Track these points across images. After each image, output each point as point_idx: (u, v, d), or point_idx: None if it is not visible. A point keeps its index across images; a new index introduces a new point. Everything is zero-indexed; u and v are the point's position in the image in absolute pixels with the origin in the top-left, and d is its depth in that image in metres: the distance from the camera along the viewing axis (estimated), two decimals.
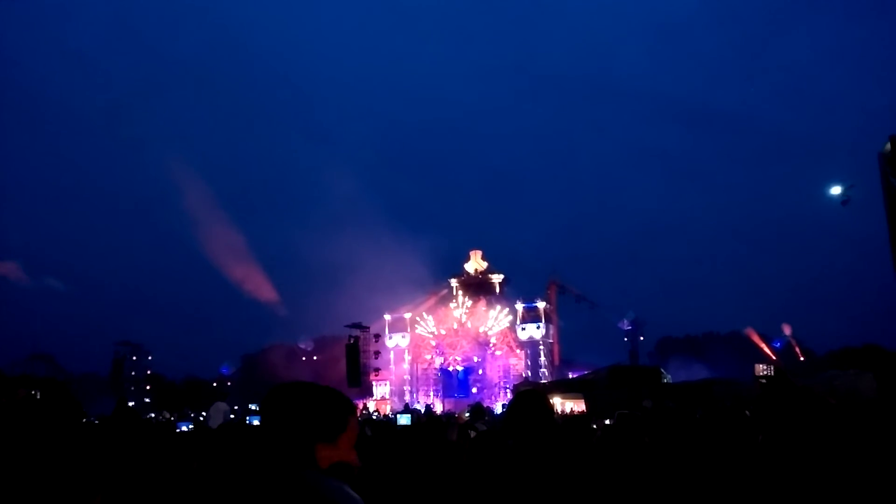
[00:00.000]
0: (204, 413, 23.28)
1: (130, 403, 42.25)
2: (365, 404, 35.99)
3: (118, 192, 77.91)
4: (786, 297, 64.59)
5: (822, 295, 64.99)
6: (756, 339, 49.87)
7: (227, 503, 1.70)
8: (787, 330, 49.11)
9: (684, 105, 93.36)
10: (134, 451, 2.74)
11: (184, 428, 11.55)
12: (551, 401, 3.38)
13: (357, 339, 42.48)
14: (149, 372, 54.93)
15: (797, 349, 47.33)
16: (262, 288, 50.96)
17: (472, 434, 6.11)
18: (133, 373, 54.17)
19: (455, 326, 41.48)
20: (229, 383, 51.40)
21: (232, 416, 17.09)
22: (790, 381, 4.46)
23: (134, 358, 54.28)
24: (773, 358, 47.01)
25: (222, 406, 13.19)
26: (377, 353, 42.85)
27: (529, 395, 3.24)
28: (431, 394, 41.00)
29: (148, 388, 52.51)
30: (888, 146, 17.10)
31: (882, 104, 64.63)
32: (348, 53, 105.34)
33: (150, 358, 54.81)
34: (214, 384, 52.07)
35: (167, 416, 28.68)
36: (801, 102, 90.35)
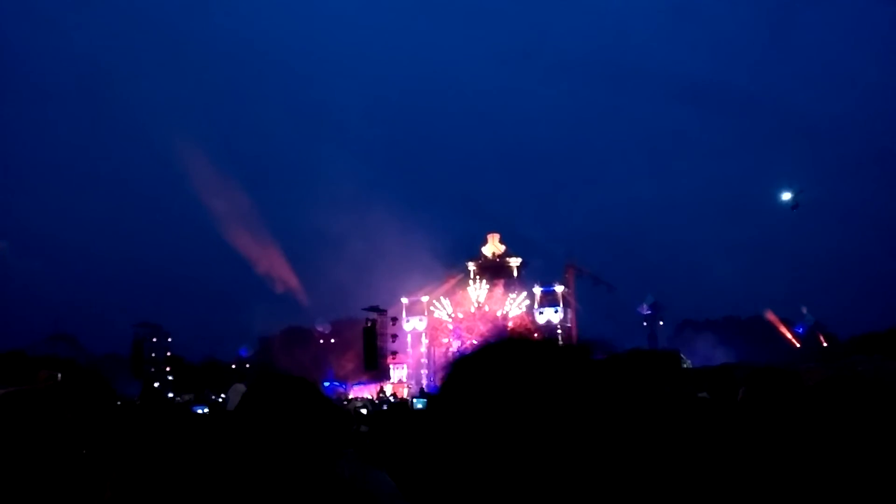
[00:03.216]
0: (223, 395, 23.40)
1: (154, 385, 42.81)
2: (382, 387, 36.06)
3: (135, 173, 78.55)
4: (808, 282, 63.69)
5: (845, 279, 63.96)
6: (778, 323, 49.21)
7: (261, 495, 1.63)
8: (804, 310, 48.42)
9: (701, 86, 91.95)
10: (163, 435, 2.75)
11: (199, 411, 11.49)
12: None
13: (374, 322, 42.53)
14: (168, 354, 55.53)
15: (820, 335, 46.60)
16: (280, 270, 51.24)
17: None
18: (153, 354, 54.84)
19: (472, 310, 41.37)
20: (248, 365, 51.82)
21: None
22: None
23: (154, 339, 54.89)
24: (796, 344, 46.39)
25: (241, 388, 13.08)
26: (394, 337, 42.90)
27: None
28: None
29: (168, 369, 53.10)
30: None
31: None
32: (366, 37, 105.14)
33: (169, 340, 55.39)
34: (233, 366, 52.50)
35: (186, 398, 28.91)
36: (823, 81, 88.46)
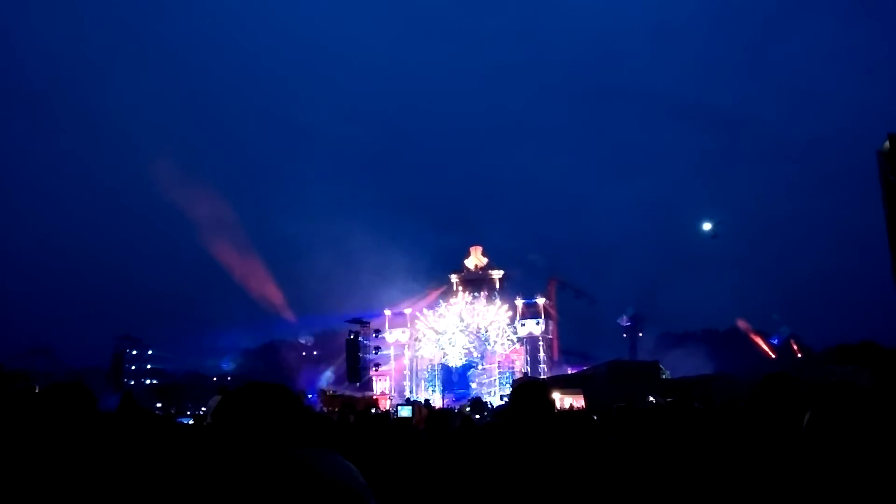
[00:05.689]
0: (204, 409, 23.43)
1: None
2: (375, 401, 36.13)
3: (115, 184, 77.85)
4: (784, 295, 64.75)
5: (820, 292, 65.15)
6: (754, 335, 50.06)
7: (219, 486, 1.68)
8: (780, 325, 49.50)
9: (684, 105, 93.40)
10: (142, 447, 2.80)
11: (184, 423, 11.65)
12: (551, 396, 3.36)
13: (357, 334, 42.59)
14: (149, 366, 55.02)
15: (795, 346, 47.51)
16: (263, 283, 51.13)
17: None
18: (133, 367, 54.29)
19: (455, 322, 41.59)
20: (230, 378, 51.54)
21: None
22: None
23: (134, 352, 54.38)
24: (772, 355, 47.21)
25: None
26: (377, 349, 43.00)
27: (531, 387, 3.19)
28: (431, 389, 41.15)
29: (148, 382, 52.61)
30: (887, 144, 17.23)
31: (880, 103, 64.66)
32: (350, 51, 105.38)
33: (150, 352, 54.90)
34: (215, 378, 52.18)
35: (170, 411, 28.81)
36: (800, 102, 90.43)
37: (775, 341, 48.93)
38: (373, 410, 28.09)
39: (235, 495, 1.61)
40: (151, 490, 2.33)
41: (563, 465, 2.89)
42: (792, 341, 48.16)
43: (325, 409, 28.25)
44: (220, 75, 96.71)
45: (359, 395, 36.20)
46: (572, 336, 47.16)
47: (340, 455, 1.75)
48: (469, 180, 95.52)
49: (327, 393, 34.67)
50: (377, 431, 5.43)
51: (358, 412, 18.09)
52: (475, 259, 45.83)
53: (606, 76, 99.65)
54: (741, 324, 51.16)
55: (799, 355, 45.01)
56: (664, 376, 32.22)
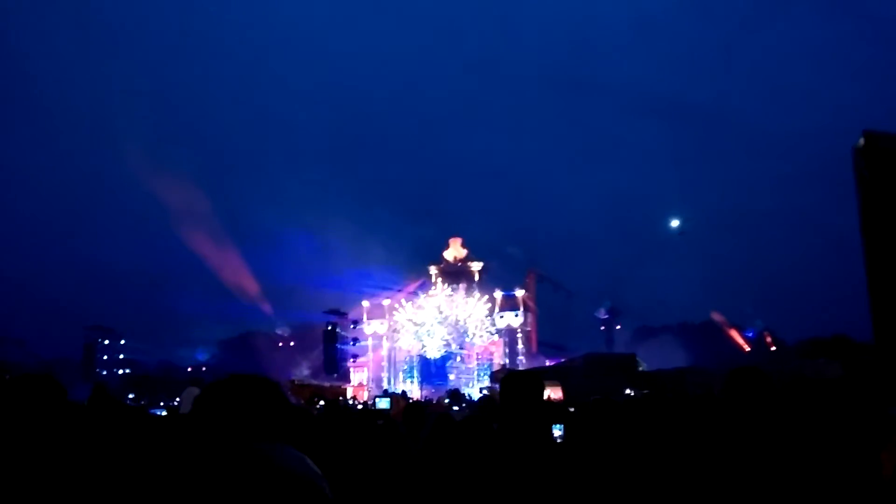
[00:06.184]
0: (178, 399, 23.11)
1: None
2: (343, 390, 36.01)
3: (87, 171, 76.21)
4: (759, 289, 65.57)
5: (794, 287, 66.10)
6: (728, 329, 50.67)
7: (179, 480, 1.69)
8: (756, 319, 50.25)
9: (660, 98, 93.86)
10: (113, 438, 2.77)
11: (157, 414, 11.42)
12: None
13: (335, 325, 42.37)
14: (122, 357, 54.27)
15: (769, 339, 48.18)
16: (238, 273, 50.55)
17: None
18: (105, 357, 53.49)
19: (434, 314, 41.56)
20: (204, 369, 50.98)
21: None
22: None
23: (106, 343, 53.58)
24: (746, 348, 47.85)
25: (195, 391, 12.93)
26: (355, 340, 42.85)
27: (524, 379, 3.13)
28: (409, 380, 41.12)
29: (121, 373, 51.90)
30: (862, 140, 17.49)
31: (857, 99, 65.62)
32: (326, 41, 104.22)
33: (122, 343, 54.14)
34: (189, 370, 51.60)
35: (142, 402, 28.43)
36: (775, 97, 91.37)
37: (750, 334, 49.58)
38: (341, 399, 28.08)
39: (188, 488, 1.59)
40: (116, 482, 2.31)
41: (552, 459, 2.86)
42: (766, 334, 48.83)
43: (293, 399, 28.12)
44: (190, 61, 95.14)
45: (327, 384, 36.09)
46: (550, 328, 47.34)
47: (295, 447, 1.71)
48: (447, 172, 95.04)
49: (294, 382, 34.51)
50: (348, 423, 5.41)
51: (327, 402, 17.96)
52: (454, 251, 45.74)
53: (581, 68, 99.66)
54: (716, 317, 51.79)
55: (773, 348, 45.67)
56: (641, 369, 32.50)
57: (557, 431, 5.87)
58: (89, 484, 2.26)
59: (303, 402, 22.27)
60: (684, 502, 3.12)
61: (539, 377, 3.27)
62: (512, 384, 3.06)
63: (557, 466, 2.82)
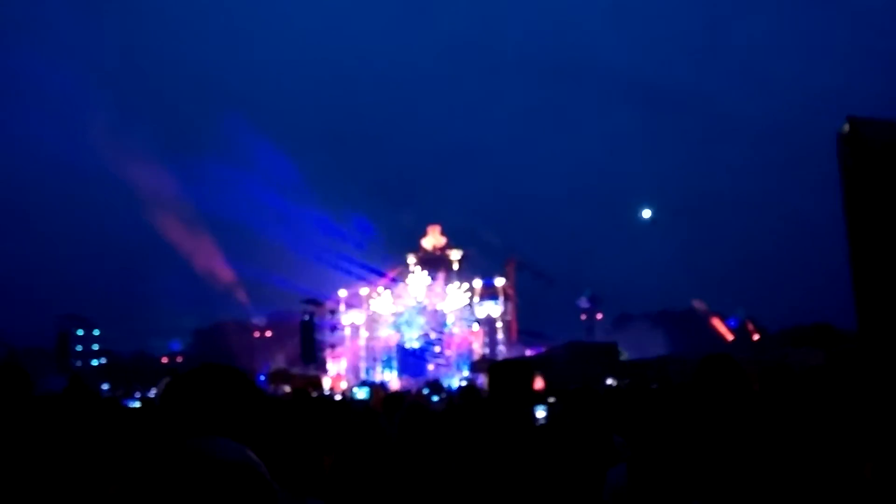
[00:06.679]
0: (154, 390, 22.57)
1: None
2: (320, 381, 35.34)
3: (58, 157, 74.40)
4: (741, 277, 65.64)
5: (776, 274, 66.24)
6: (710, 317, 50.53)
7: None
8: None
9: (641, 85, 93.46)
10: (87, 429, 2.71)
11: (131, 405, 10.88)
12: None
13: (312, 314, 41.68)
14: (96, 346, 53.36)
15: (751, 328, 48.04)
16: (214, 261, 49.49)
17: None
18: (80, 347, 52.58)
19: (412, 303, 40.99)
20: (179, 359, 50.09)
21: None
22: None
23: (80, 332, 52.68)
24: (729, 336, 47.69)
25: None
26: (333, 330, 42.21)
27: (514, 367, 3.14)
28: (387, 370, 40.55)
29: (96, 363, 51.03)
30: (846, 126, 17.12)
31: (840, 86, 65.53)
32: (302, 23, 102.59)
33: (96, 332, 53.19)
34: (164, 359, 50.70)
35: (117, 392, 27.76)
36: (760, 83, 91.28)
37: (732, 323, 49.43)
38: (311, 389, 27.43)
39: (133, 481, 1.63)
40: (80, 473, 2.32)
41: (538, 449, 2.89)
42: (748, 322, 48.71)
43: (272, 388, 27.54)
44: (160, 38, 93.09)
45: (299, 373, 35.46)
46: (530, 317, 46.90)
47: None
48: (426, 158, 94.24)
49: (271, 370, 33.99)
50: (328, 414, 5.28)
51: (294, 390, 17.28)
52: (433, 239, 45.04)
53: (562, 53, 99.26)
54: (697, 304, 51.62)
55: (755, 336, 45.48)
56: (622, 357, 32.24)
57: (541, 412, 5.94)
58: (46, 476, 2.27)
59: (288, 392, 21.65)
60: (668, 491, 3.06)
61: (530, 365, 3.30)
62: (501, 372, 3.06)
63: (540, 450, 2.86)
